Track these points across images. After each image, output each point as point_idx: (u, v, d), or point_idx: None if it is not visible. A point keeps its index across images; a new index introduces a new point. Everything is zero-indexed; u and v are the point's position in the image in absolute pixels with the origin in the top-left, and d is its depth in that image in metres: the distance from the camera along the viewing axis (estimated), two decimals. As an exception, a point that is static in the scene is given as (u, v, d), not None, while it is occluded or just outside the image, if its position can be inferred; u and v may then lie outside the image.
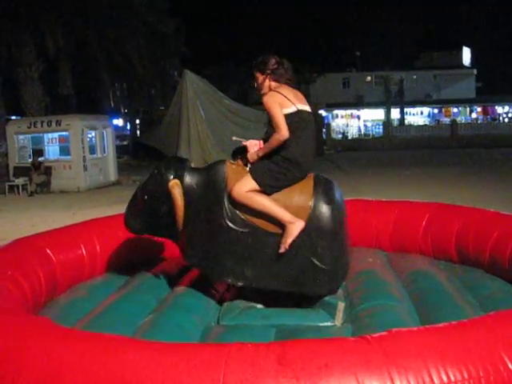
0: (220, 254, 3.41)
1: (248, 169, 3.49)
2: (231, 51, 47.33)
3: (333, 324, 3.26)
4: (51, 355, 2.11)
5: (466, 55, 49.91)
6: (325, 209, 3.37)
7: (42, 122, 16.70)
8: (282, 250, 3.32)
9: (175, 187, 3.41)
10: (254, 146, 3.60)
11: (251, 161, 3.52)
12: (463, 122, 41.56)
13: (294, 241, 3.29)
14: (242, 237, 3.37)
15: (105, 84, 26.37)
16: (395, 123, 43.15)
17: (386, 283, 3.81)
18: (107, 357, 2.08)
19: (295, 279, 3.39)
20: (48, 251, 3.87)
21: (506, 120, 43.37)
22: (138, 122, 33.48)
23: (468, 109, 45.90)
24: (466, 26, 53.56)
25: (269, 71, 3.57)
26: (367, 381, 1.89)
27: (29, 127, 16.75)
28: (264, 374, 1.93)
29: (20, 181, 15.74)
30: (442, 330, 2.19)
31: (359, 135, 42.70)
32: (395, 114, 44.22)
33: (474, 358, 1.98)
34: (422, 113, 46.40)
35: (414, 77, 47.51)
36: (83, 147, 16.43)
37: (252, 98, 31.07)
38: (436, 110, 46.10)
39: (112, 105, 35.13)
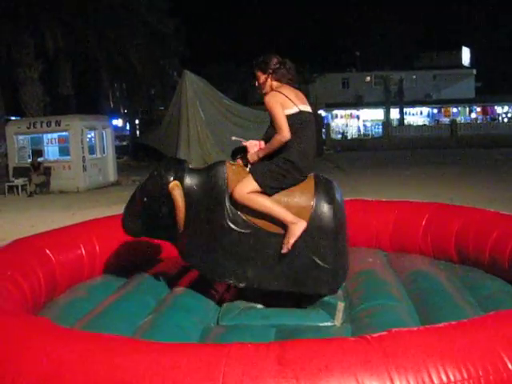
0: (221, 255, 3.40)
1: (248, 169, 3.48)
2: (231, 51, 47.31)
3: (332, 324, 3.26)
4: (51, 355, 2.11)
5: (466, 55, 49.92)
6: (326, 208, 3.38)
7: (41, 123, 16.71)
8: (284, 251, 3.31)
9: (175, 188, 3.38)
10: (254, 147, 3.60)
11: (251, 161, 3.52)
12: (463, 122, 41.60)
13: (296, 241, 3.30)
14: (243, 238, 3.36)
15: (104, 84, 26.39)
16: (395, 123, 43.21)
17: (385, 283, 3.81)
18: (107, 357, 2.08)
19: (297, 279, 3.39)
20: (47, 251, 3.86)
21: (506, 120, 43.41)
22: (137, 122, 33.52)
23: (467, 109, 45.92)
24: (466, 26, 53.53)
25: (270, 70, 3.55)
26: (367, 381, 1.89)
27: (28, 127, 16.76)
28: (264, 374, 1.93)
29: (19, 181, 15.74)
30: (441, 330, 2.19)
31: (359, 135, 42.74)
32: (395, 114, 44.27)
33: (473, 358, 1.98)
34: (421, 113, 46.43)
35: (414, 77, 47.52)
36: (83, 147, 16.43)
37: (252, 98, 31.09)
38: (435, 110, 46.13)
39: (111, 105, 35.16)
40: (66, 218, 9.91)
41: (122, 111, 37.44)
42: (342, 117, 45.98)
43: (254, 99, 28.51)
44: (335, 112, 45.72)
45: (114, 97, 34.95)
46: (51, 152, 16.94)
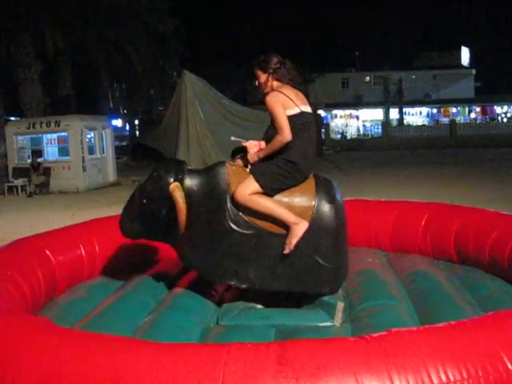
0: (223, 256, 3.39)
1: (249, 170, 3.48)
2: (231, 51, 47.34)
3: (332, 324, 3.26)
4: (51, 355, 2.11)
5: (465, 55, 49.91)
6: (328, 208, 3.39)
7: (41, 123, 16.70)
8: (286, 251, 3.32)
9: (176, 190, 3.36)
10: (254, 147, 3.59)
11: (251, 162, 3.51)
12: (462, 121, 41.60)
13: (297, 241, 3.30)
14: (245, 238, 3.36)
15: (104, 84, 26.34)
16: (394, 123, 43.22)
17: (385, 283, 3.81)
18: (107, 357, 2.08)
19: (299, 279, 3.40)
20: (47, 252, 3.87)
21: (505, 120, 43.42)
22: (136, 122, 33.52)
23: (467, 109, 45.92)
24: (466, 26, 53.54)
25: (271, 70, 3.53)
26: (366, 381, 1.89)
27: (28, 128, 16.76)
28: (264, 373, 1.93)
29: (19, 182, 15.74)
30: (441, 330, 2.19)
31: (358, 135, 42.74)
32: (394, 114, 44.27)
33: (473, 358, 1.98)
34: (420, 113, 46.40)
35: (413, 77, 47.50)
36: (82, 148, 16.43)
37: (252, 98, 31.08)
38: (435, 110, 46.11)
39: (111, 105, 35.14)
40: (65, 218, 9.91)
41: (121, 111, 37.43)
42: (341, 117, 45.96)
43: (254, 99, 28.52)
44: (335, 112, 45.70)
45: (114, 97, 34.93)
46: (51, 152, 16.94)
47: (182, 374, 1.96)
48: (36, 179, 15.58)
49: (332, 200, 3.42)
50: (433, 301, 3.42)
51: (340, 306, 3.43)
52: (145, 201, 3.46)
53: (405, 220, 4.78)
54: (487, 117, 44.65)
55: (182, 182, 3.41)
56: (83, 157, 16.45)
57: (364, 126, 44.80)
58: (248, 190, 3.32)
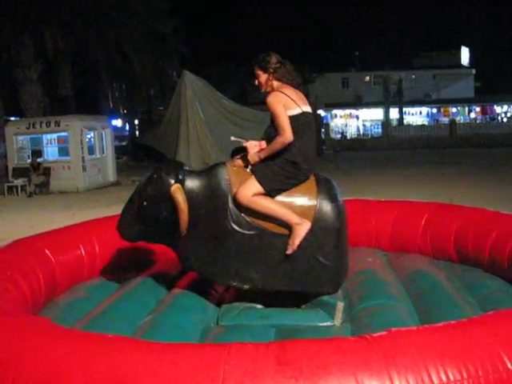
0: (225, 257, 3.39)
1: (249, 170, 3.47)
2: (231, 51, 47.36)
3: (332, 324, 3.27)
4: (51, 355, 2.11)
5: (465, 55, 49.90)
6: (330, 207, 3.39)
7: (40, 123, 16.70)
8: (289, 252, 3.32)
9: (178, 192, 3.32)
10: (254, 147, 3.58)
11: (252, 162, 3.49)
12: (462, 121, 41.59)
13: (300, 241, 3.30)
14: (247, 239, 3.36)
15: (104, 84, 26.35)
16: (394, 123, 43.20)
17: (385, 283, 3.82)
18: (107, 357, 2.08)
19: (301, 279, 3.40)
20: (47, 252, 3.86)
21: (505, 119, 43.41)
22: (136, 122, 33.50)
23: (467, 108, 45.89)
24: (466, 26, 53.53)
25: (271, 70, 3.51)
26: (366, 380, 1.89)
27: (28, 128, 16.75)
28: (263, 373, 1.93)
29: (19, 182, 15.73)
30: (441, 330, 2.19)
31: (358, 135, 42.72)
32: (394, 113, 44.25)
33: (473, 358, 1.98)
34: (420, 113, 46.38)
35: (413, 76, 47.50)
36: (82, 148, 16.43)
37: (252, 98, 31.06)
38: (435, 110, 46.09)
39: (111, 105, 35.13)
40: (65, 218, 9.91)
41: (121, 111, 37.41)
42: (341, 117, 45.93)
43: (254, 99, 28.50)
44: (334, 112, 45.68)
45: (114, 97, 34.92)
46: (51, 152, 16.94)
47: (182, 374, 1.96)
48: (36, 179, 15.58)
49: (334, 199, 3.43)
50: (433, 300, 3.42)
51: (340, 305, 3.43)
52: (145, 203, 3.42)
53: (405, 220, 4.78)
54: (487, 116, 44.64)
55: (182, 183, 3.39)
56: (83, 157, 16.44)
57: (364, 125, 44.78)
58: (250, 191, 3.31)
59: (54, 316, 3.24)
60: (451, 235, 4.35)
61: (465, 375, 1.93)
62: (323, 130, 33.15)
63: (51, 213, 11.43)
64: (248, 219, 3.36)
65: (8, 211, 12.25)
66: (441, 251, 4.46)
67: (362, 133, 43.50)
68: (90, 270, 4.23)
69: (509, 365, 1.97)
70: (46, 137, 16.89)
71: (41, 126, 16.61)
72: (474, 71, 48.37)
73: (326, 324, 3.26)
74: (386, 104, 43.36)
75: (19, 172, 16.09)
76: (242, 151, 3.65)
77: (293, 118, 3.37)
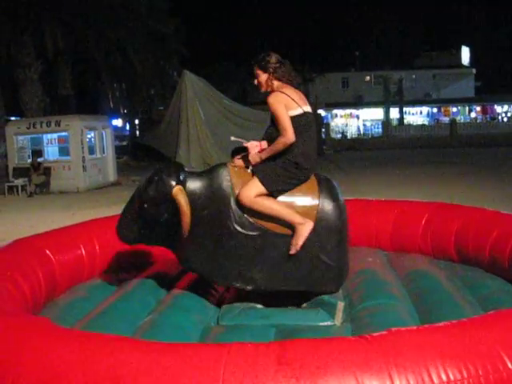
0: (228, 258, 3.38)
1: (250, 171, 3.46)
2: (231, 51, 47.42)
3: (332, 323, 3.26)
4: (51, 355, 2.11)
5: (465, 55, 49.92)
6: (331, 207, 3.40)
7: (41, 123, 16.70)
8: (292, 252, 3.32)
9: (179, 193, 3.29)
10: (255, 148, 3.57)
11: (253, 163, 3.48)
12: (462, 121, 41.60)
13: (303, 241, 3.30)
14: (250, 240, 3.35)
15: (104, 84, 26.34)
16: (394, 123, 43.22)
17: (385, 282, 3.81)
18: (107, 357, 2.08)
19: (304, 278, 3.40)
20: (47, 252, 3.86)
21: (505, 119, 43.42)
22: (137, 122, 33.49)
23: (467, 108, 45.92)
24: (466, 25, 53.60)
25: (271, 69, 3.50)
26: (367, 380, 1.89)
27: (28, 128, 16.75)
28: (264, 373, 1.93)
29: (19, 181, 15.74)
30: (441, 330, 2.19)
31: (358, 135, 42.71)
32: (394, 113, 44.26)
33: (473, 357, 1.98)
34: (421, 112, 46.41)
35: (414, 76, 47.53)
36: (82, 148, 16.43)
37: (252, 98, 31.05)
38: (435, 110, 46.11)
39: (111, 105, 35.11)
40: (65, 218, 9.91)
41: (121, 111, 37.39)
42: (341, 116, 45.97)
43: (254, 99, 28.48)
44: (335, 111, 45.71)
45: (114, 97, 34.87)
46: (51, 152, 16.93)
47: (182, 374, 1.95)
48: (36, 179, 15.58)
49: (335, 199, 3.44)
50: (433, 300, 3.42)
51: (340, 305, 3.43)
52: (146, 205, 3.37)
53: (405, 219, 4.78)
54: (487, 116, 44.66)
55: (183, 185, 3.37)
56: (83, 157, 16.44)
57: (364, 125, 44.80)
58: (253, 192, 3.31)
59: (54, 316, 3.24)
60: (451, 235, 4.35)
61: (465, 375, 1.93)
62: (323, 129, 33.12)
63: (51, 213, 11.43)
64: (251, 220, 3.35)
65: (8, 211, 12.25)
66: (441, 251, 4.46)
67: (362, 132, 43.51)
68: (90, 270, 4.23)
69: (509, 364, 1.97)
70: (47, 137, 16.88)
71: (41, 126, 16.61)
72: (474, 71, 48.40)
73: (326, 324, 3.25)
74: (386, 104, 43.37)
75: (19, 172, 16.09)
76: (241, 151, 3.65)
77: (294, 119, 3.36)
